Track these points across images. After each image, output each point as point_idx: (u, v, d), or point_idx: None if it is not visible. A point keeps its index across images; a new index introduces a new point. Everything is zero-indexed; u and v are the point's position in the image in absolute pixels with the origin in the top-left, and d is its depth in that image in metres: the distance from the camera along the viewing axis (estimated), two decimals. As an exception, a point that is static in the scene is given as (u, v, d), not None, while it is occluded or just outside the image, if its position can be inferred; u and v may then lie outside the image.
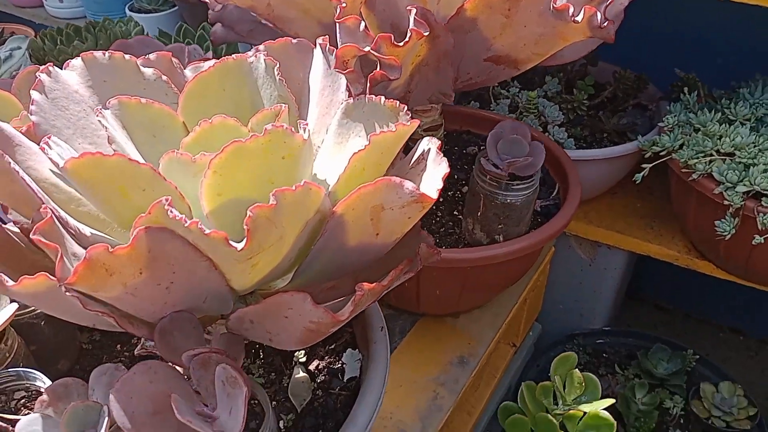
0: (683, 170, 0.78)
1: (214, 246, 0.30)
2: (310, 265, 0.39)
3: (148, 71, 0.42)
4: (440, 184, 0.36)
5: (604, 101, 1.01)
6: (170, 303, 0.35)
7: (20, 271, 0.34)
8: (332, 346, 0.52)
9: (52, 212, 0.32)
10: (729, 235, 0.74)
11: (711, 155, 0.75)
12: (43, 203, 0.33)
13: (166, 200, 0.30)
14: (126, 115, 0.41)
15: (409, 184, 0.34)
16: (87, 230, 0.36)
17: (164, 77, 0.42)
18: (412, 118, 0.37)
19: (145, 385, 0.33)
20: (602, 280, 1.08)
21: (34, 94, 0.40)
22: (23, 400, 0.41)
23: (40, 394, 0.41)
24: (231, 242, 0.30)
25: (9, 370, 0.38)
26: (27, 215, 0.37)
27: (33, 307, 0.47)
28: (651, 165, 0.80)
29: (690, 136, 0.78)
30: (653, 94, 0.99)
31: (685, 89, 0.86)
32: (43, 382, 0.41)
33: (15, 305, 0.43)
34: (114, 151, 0.38)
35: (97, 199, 0.35)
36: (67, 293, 0.32)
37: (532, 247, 0.66)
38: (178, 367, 0.36)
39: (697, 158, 0.75)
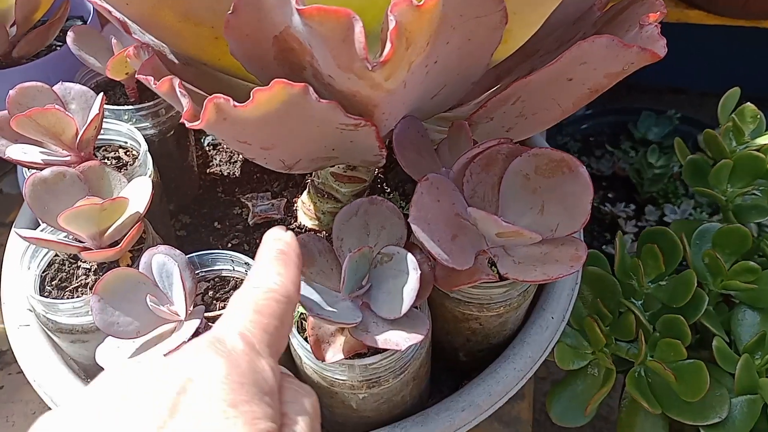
0: None
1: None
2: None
3: None
4: None
5: None
6: (409, 101, 0.26)
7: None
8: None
9: None
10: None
11: None
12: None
13: None
14: None
15: None
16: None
17: None
18: None
19: (434, 205, 0.25)
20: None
21: None
22: (210, 292, 0.32)
23: (223, 279, 0.32)
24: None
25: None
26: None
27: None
28: None
29: None
30: None
31: None
32: (230, 262, 0.32)
33: (149, 190, 0.32)
34: None
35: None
36: (321, 101, 0.22)
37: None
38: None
39: None
